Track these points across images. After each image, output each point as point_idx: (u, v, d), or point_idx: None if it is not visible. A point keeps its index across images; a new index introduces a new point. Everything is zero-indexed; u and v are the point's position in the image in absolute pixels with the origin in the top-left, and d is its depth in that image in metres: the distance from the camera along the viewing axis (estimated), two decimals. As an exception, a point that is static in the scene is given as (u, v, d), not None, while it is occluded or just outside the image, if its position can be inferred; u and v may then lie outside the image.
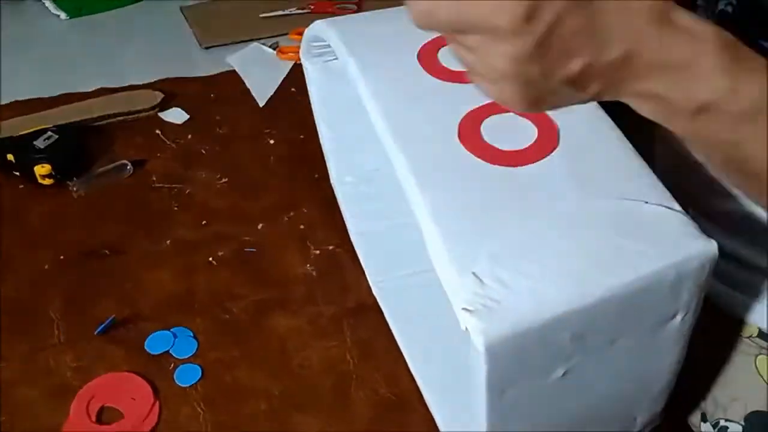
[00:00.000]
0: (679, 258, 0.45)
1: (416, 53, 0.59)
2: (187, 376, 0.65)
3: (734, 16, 0.50)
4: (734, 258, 0.64)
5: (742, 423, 0.68)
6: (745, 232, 0.61)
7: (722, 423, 0.70)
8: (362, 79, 0.57)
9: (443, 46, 0.60)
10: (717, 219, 0.61)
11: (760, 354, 0.66)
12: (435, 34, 0.61)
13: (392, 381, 0.66)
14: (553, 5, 0.34)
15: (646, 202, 0.48)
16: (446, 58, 0.59)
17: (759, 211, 0.59)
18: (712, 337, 0.68)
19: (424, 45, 0.60)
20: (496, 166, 0.51)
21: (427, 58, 0.59)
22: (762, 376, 0.66)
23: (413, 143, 0.52)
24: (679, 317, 0.49)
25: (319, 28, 0.67)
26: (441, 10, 0.35)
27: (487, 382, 0.45)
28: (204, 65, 1.03)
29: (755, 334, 0.66)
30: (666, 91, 0.37)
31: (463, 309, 0.44)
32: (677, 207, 0.48)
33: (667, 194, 0.49)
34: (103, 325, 0.68)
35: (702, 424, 0.72)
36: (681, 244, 0.46)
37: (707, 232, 0.47)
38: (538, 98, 0.37)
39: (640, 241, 0.46)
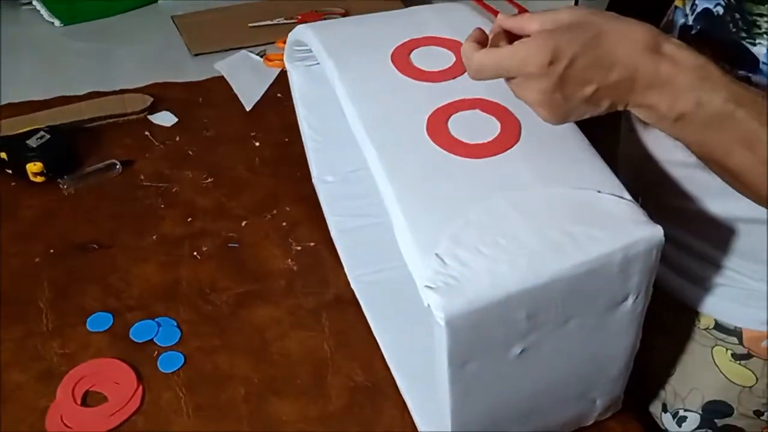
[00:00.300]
0: (627, 242, 0.49)
1: (390, 54, 0.63)
2: (169, 362, 0.68)
3: (723, 17, 0.57)
4: (692, 252, 0.67)
5: (700, 412, 0.72)
6: (702, 227, 0.64)
7: (681, 413, 0.73)
8: (338, 79, 0.60)
9: (415, 49, 0.63)
10: (677, 215, 0.64)
11: (716, 345, 0.69)
12: (408, 38, 0.65)
13: (368, 369, 0.69)
14: (569, 50, 0.47)
15: (599, 191, 0.51)
16: (418, 58, 0.62)
17: (714, 209, 0.63)
18: (671, 329, 0.71)
19: (398, 47, 0.63)
20: (461, 158, 0.54)
21: (400, 59, 0.62)
22: (718, 367, 0.69)
23: (385, 137, 0.56)
24: (630, 300, 0.52)
25: (300, 32, 0.70)
26: (487, 66, 0.50)
27: (448, 355, 0.48)
28: (193, 71, 1.07)
29: (712, 326, 0.69)
30: (656, 102, 0.49)
31: (426, 286, 0.47)
32: (627, 196, 0.51)
33: (619, 184, 0.52)
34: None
35: (663, 414, 0.75)
36: (629, 230, 0.49)
37: (658, 223, 0.51)
38: (565, 115, 0.50)
39: (592, 226, 0.49)
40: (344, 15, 1.17)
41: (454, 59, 0.62)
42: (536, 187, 0.52)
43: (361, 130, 0.57)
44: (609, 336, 0.54)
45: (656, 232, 0.49)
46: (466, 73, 0.60)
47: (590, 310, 0.51)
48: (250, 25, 1.15)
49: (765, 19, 0.54)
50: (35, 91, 1.00)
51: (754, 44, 0.55)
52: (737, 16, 0.56)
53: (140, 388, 0.66)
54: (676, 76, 0.48)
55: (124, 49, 1.12)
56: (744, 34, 0.55)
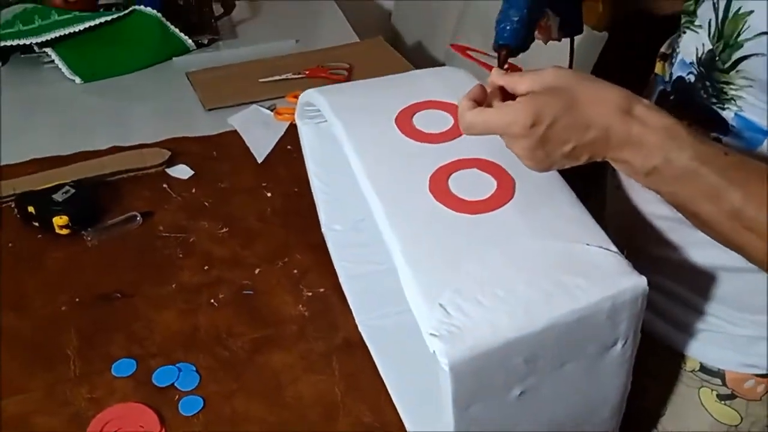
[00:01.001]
0: (614, 291, 0.53)
1: (394, 118, 0.68)
2: (190, 406, 0.72)
3: (695, 85, 0.63)
4: (677, 298, 0.72)
5: None
6: (685, 275, 0.69)
7: None
8: (347, 140, 0.66)
9: (417, 112, 0.69)
10: (662, 264, 0.69)
11: (702, 386, 0.73)
12: (410, 101, 0.70)
13: (376, 411, 0.73)
14: (549, 114, 0.53)
15: (588, 244, 0.56)
16: (419, 121, 0.68)
17: (696, 258, 0.68)
18: (659, 372, 0.75)
19: (401, 111, 0.69)
20: (461, 214, 0.59)
21: (403, 122, 0.68)
22: (705, 408, 0.73)
23: (390, 195, 0.61)
24: (619, 345, 0.56)
25: (310, 95, 0.76)
26: (477, 125, 0.56)
27: (453, 398, 0.52)
28: (207, 125, 1.12)
29: (697, 368, 0.73)
30: (630, 158, 0.54)
31: (431, 334, 0.52)
32: (613, 248, 0.56)
33: (605, 237, 0.57)
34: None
35: None
36: (616, 280, 0.54)
37: (644, 273, 0.55)
38: (547, 166, 0.57)
39: (581, 276, 0.54)
40: (348, 70, 1.24)
41: (453, 122, 0.67)
42: (529, 241, 0.57)
43: (369, 188, 0.62)
44: (601, 379, 0.58)
45: (641, 282, 0.54)
46: (464, 135, 0.66)
47: (583, 355, 0.55)
48: (260, 80, 1.22)
49: (731, 86, 0.59)
50: (57, 145, 1.06)
51: (723, 109, 0.60)
52: (707, 83, 0.61)
53: (163, 430, 0.70)
54: (646, 135, 0.53)
55: (140, 105, 1.19)
56: (714, 100, 0.61)
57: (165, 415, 0.71)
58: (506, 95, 0.58)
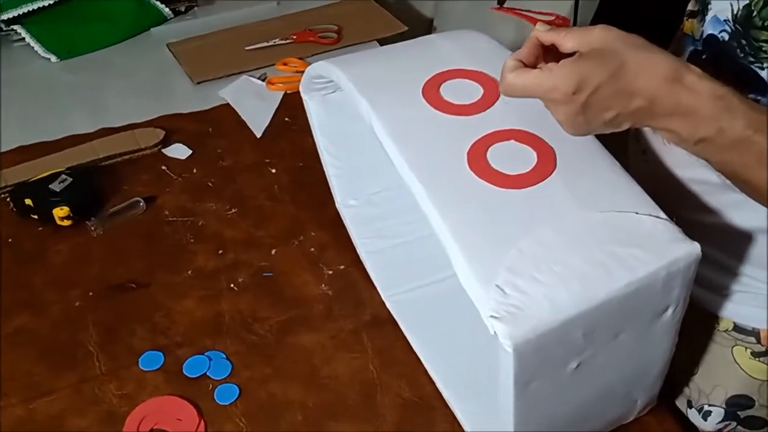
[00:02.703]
0: (669, 260, 0.53)
1: (420, 90, 0.66)
2: (226, 394, 0.71)
3: (729, 43, 0.61)
4: (711, 262, 0.72)
5: (724, 406, 0.77)
6: (719, 238, 0.69)
7: (706, 408, 0.79)
8: (376, 120, 0.63)
9: (443, 83, 0.67)
10: (695, 228, 0.69)
11: (736, 345, 0.75)
12: (433, 71, 0.68)
13: (414, 385, 0.72)
14: (593, 81, 0.52)
15: (637, 213, 0.56)
16: (447, 92, 0.66)
17: (731, 221, 0.68)
18: (693, 333, 0.76)
19: (427, 82, 0.67)
20: (504, 189, 0.58)
21: (431, 94, 0.65)
22: (739, 364, 0.75)
23: (430, 174, 0.59)
24: (670, 311, 0.57)
25: (323, 67, 0.73)
26: (517, 87, 0.55)
27: (514, 378, 0.52)
28: (196, 100, 1.08)
29: (731, 328, 0.75)
30: (677, 128, 0.54)
31: (491, 317, 0.51)
32: (663, 216, 0.56)
33: (654, 205, 0.57)
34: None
35: (688, 410, 0.80)
36: (670, 248, 0.54)
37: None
38: (586, 132, 0.56)
39: (634, 247, 0.54)
40: (338, 32, 1.20)
41: (482, 91, 0.66)
42: (579, 213, 0.56)
43: (406, 168, 0.60)
44: (652, 343, 0.59)
45: (694, 248, 0.54)
46: (495, 105, 0.64)
47: (637, 323, 0.56)
48: (246, 48, 1.17)
49: None
50: (41, 130, 1.01)
51: (762, 68, 0.59)
52: (743, 42, 0.60)
53: (202, 421, 0.69)
54: (698, 105, 0.52)
55: (123, 81, 1.14)
56: (752, 59, 0.60)
57: (202, 405, 0.70)
58: (547, 52, 0.56)
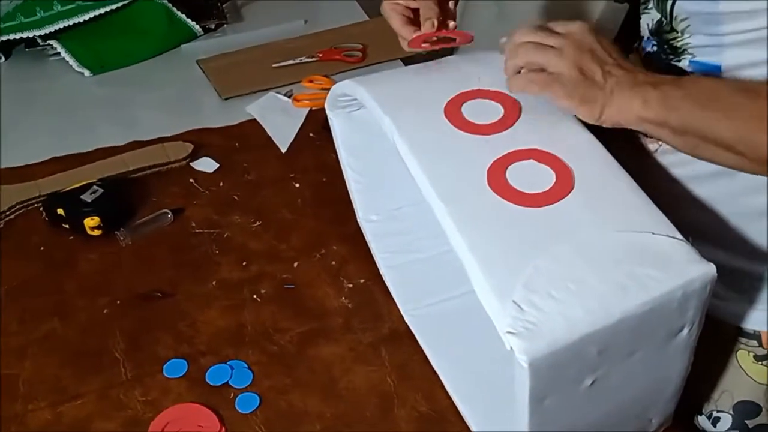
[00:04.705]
0: (684, 280, 0.54)
1: (443, 109, 0.68)
2: (247, 403, 0.73)
3: (657, 52, 0.73)
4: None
5: (731, 413, 0.78)
6: (720, 240, 0.71)
7: (715, 414, 0.79)
8: (399, 138, 0.65)
9: (464, 102, 0.68)
10: (696, 230, 0.71)
11: (740, 349, 0.75)
12: (456, 91, 0.70)
13: (430, 399, 0.73)
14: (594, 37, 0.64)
15: (653, 233, 0.57)
16: (469, 112, 0.67)
17: (732, 224, 0.70)
18: (699, 338, 0.77)
19: (449, 102, 0.68)
20: (523, 207, 0.59)
21: (453, 113, 0.67)
22: (743, 369, 0.76)
23: (450, 191, 0.61)
24: (686, 330, 0.57)
25: (347, 86, 0.75)
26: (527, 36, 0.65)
27: (529, 393, 0.53)
28: (224, 115, 1.11)
29: (733, 332, 0.75)
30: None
31: (508, 332, 0.52)
32: (679, 236, 0.57)
33: (671, 225, 0.57)
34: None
35: (698, 416, 0.81)
36: (686, 269, 0.55)
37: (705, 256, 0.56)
38: (591, 86, 0.63)
39: (651, 266, 0.55)
40: (363, 51, 1.22)
41: (503, 111, 0.67)
42: (596, 232, 0.57)
43: (427, 185, 0.62)
44: (667, 363, 0.59)
45: (710, 269, 0.55)
46: (516, 125, 0.66)
47: (652, 343, 0.56)
48: (273, 65, 1.20)
49: (677, 38, 0.69)
50: (74, 142, 1.04)
51: (680, 61, 0.70)
52: (665, 46, 0.71)
53: (223, 429, 0.71)
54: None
55: (153, 96, 1.17)
56: (672, 56, 0.70)
57: (223, 413, 0.72)
58: None
